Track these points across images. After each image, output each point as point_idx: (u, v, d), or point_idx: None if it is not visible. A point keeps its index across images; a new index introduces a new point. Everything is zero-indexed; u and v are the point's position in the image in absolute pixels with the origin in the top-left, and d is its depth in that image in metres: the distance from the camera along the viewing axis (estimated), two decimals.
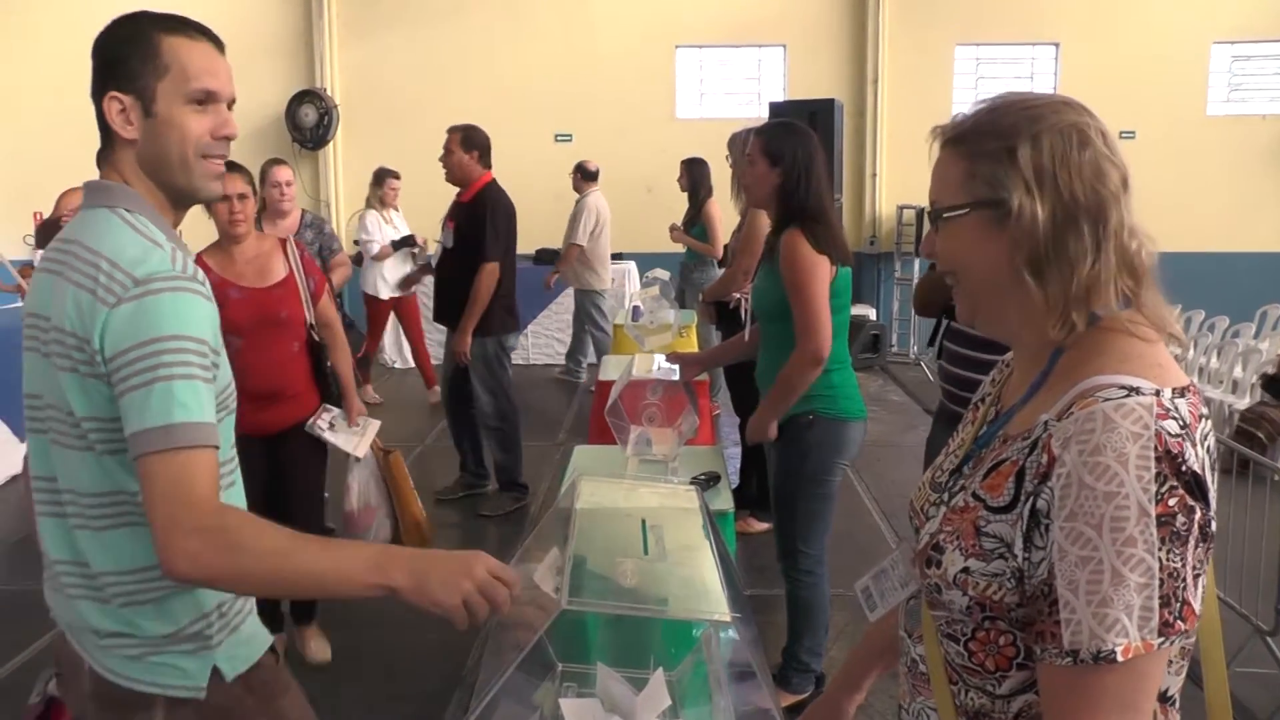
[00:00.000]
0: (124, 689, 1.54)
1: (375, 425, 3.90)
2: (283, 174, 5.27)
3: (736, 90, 11.43)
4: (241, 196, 3.53)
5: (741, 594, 1.77)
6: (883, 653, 1.58)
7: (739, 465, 5.59)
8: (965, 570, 1.15)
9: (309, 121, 11.00)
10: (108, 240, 1.46)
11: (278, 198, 5.22)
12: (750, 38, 11.24)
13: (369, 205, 8.27)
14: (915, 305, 3.64)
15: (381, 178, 8.30)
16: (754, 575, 4.56)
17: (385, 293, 8.10)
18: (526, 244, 8.70)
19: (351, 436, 3.80)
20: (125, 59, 1.50)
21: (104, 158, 1.56)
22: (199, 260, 3.29)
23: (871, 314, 10.47)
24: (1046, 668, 1.08)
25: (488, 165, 5.44)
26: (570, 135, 11.07)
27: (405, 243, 8.21)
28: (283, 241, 3.74)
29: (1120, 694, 1.03)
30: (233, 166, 3.36)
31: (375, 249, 8.05)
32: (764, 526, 5.08)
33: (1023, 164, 1.14)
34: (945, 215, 1.21)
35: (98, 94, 1.51)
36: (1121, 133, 10.41)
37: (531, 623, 1.47)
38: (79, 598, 1.52)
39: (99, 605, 1.52)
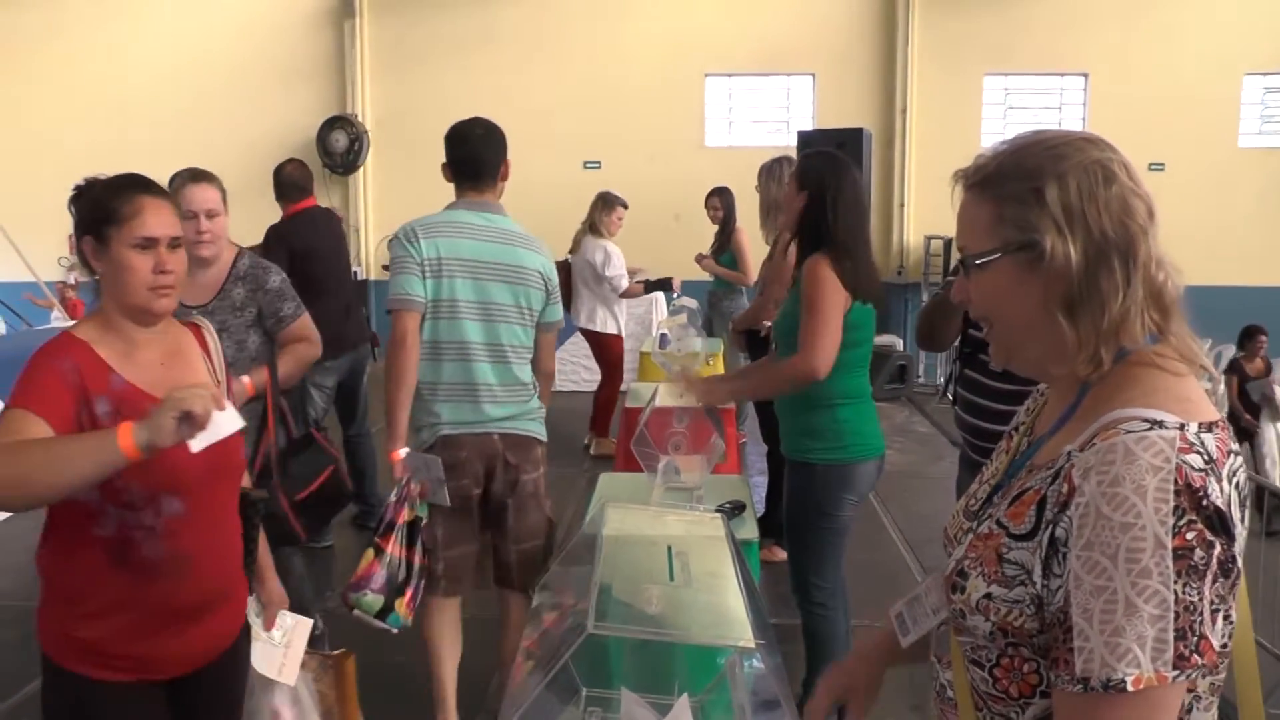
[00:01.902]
0: (528, 438, 3.22)
1: (306, 626, 2.54)
2: (200, 196, 3.17)
3: (765, 119, 11.51)
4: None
5: (766, 622, 1.77)
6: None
7: (764, 493, 5.58)
8: (988, 596, 1.16)
9: (340, 147, 11.16)
10: (520, 229, 3.24)
11: (193, 236, 3.07)
12: (779, 66, 11.31)
13: (592, 231, 7.09)
14: (919, 338, 3.48)
15: (611, 203, 7.07)
16: (778, 604, 4.54)
17: (614, 327, 7.21)
18: None
19: (270, 649, 2.43)
20: None
21: (492, 189, 3.29)
22: (73, 346, 1.97)
23: (899, 344, 10.38)
24: (1059, 694, 1.09)
25: (300, 197, 5.35)
26: (599, 163, 11.15)
27: (661, 286, 7.23)
28: (196, 329, 2.23)
29: None
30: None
31: (624, 285, 6.97)
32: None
33: (1051, 204, 1.15)
34: (976, 262, 1.21)
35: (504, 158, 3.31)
36: (1151, 165, 10.35)
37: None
38: (507, 400, 3.16)
39: (518, 404, 3.19)
